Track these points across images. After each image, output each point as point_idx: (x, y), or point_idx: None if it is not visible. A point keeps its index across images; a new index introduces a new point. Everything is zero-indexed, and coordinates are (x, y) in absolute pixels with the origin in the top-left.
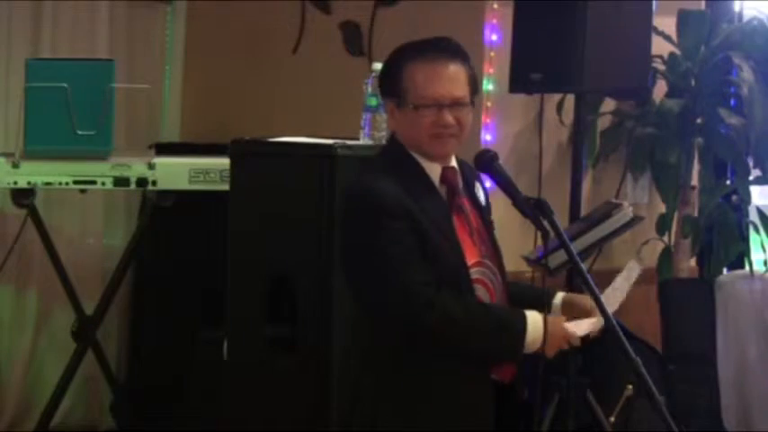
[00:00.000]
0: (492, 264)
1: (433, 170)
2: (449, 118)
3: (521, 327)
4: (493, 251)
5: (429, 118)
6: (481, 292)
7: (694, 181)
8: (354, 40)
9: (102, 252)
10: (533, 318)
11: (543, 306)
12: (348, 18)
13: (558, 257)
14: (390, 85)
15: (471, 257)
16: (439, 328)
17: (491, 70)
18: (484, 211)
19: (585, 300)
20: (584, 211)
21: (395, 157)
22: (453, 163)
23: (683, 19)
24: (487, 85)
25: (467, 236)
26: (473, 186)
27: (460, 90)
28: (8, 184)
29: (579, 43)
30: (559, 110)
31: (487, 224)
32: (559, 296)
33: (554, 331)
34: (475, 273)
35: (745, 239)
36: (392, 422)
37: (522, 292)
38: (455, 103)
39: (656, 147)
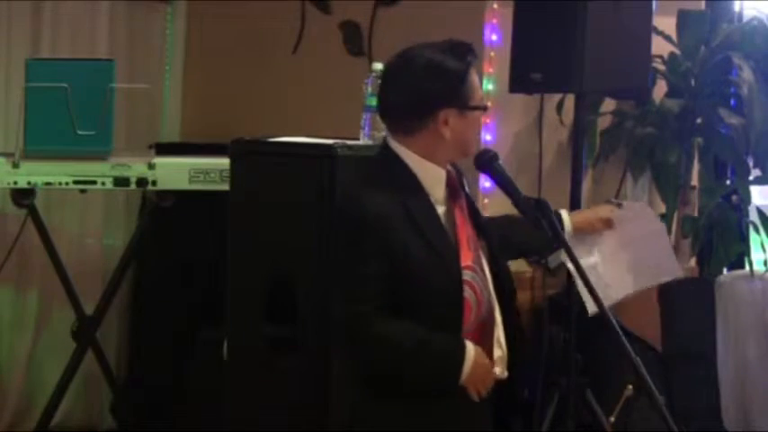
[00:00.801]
0: (480, 270)
1: (439, 176)
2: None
3: (459, 361)
4: (480, 257)
5: (481, 119)
6: (468, 294)
7: (694, 181)
8: (354, 40)
9: (102, 252)
10: (470, 354)
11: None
12: (348, 18)
13: (558, 257)
14: (453, 91)
15: (464, 260)
16: (373, 353)
17: (491, 70)
18: (475, 208)
19: (594, 219)
20: None
21: (390, 167)
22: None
23: (683, 19)
24: (487, 85)
25: (464, 239)
26: (462, 182)
27: None
28: (8, 184)
29: (579, 43)
30: (559, 110)
31: (479, 222)
32: (568, 222)
33: (480, 373)
34: (465, 275)
35: (745, 239)
36: (392, 422)
37: (522, 232)
38: None
39: (656, 147)
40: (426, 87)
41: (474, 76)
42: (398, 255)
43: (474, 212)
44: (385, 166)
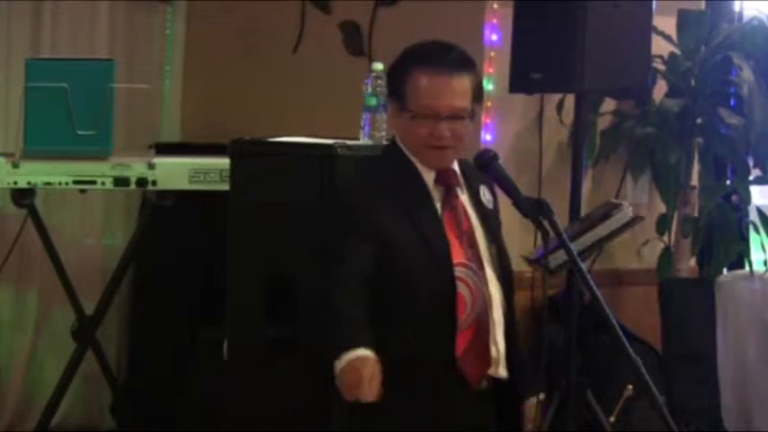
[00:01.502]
0: (477, 267)
1: (429, 171)
2: (444, 131)
3: (335, 353)
4: (479, 255)
5: (425, 129)
6: (463, 290)
7: (694, 181)
8: (354, 40)
9: (102, 252)
10: (356, 354)
11: None
12: (348, 18)
13: (558, 257)
14: (394, 86)
15: (456, 257)
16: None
17: (491, 70)
18: (489, 217)
19: None
20: (584, 211)
21: (391, 159)
22: (453, 165)
23: (683, 19)
24: (487, 85)
25: (455, 237)
26: (477, 190)
27: (461, 102)
28: (8, 184)
29: (579, 43)
30: (559, 110)
31: (490, 228)
32: None
33: (350, 379)
34: (457, 271)
35: (745, 239)
36: (391, 422)
37: None
38: (453, 116)
39: (656, 147)
40: (386, 78)
41: (421, 81)
42: (386, 241)
43: (485, 213)
44: (390, 155)
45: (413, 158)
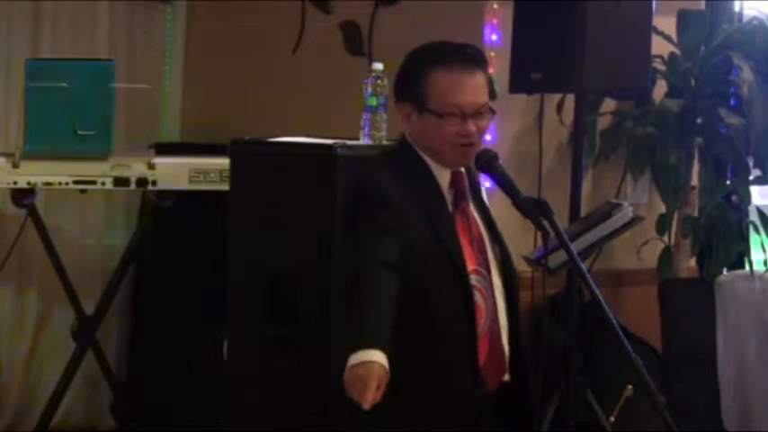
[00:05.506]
0: (487, 273)
1: (443, 174)
2: (471, 127)
3: (350, 349)
4: (488, 261)
5: (453, 127)
6: (478, 298)
7: (694, 181)
8: (354, 40)
9: (103, 252)
10: (368, 356)
11: None
12: (348, 18)
13: (558, 257)
14: (410, 88)
15: (469, 264)
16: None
17: (491, 70)
18: (491, 218)
19: None
20: (584, 211)
21: (405, 160)
22: (461, 168)
23: (683, 19)
24: None
25: (467, 242)
26: (480, 192)
27: (482, 98)
28: (8, 184)
29: (579, 43)
30: (559, 110)
31: (494, 230)
32: None
33: (357, 381)
34: (471, 279)
35: (745, 239)
36: (392, 422)
37: None
38: (478, 112)
39: (656, 147)
40: (395, 81)
41: (441, 79)
42: (408, 237)
43: (488, 217)
44: (403, 155)
45: (427, 160)
